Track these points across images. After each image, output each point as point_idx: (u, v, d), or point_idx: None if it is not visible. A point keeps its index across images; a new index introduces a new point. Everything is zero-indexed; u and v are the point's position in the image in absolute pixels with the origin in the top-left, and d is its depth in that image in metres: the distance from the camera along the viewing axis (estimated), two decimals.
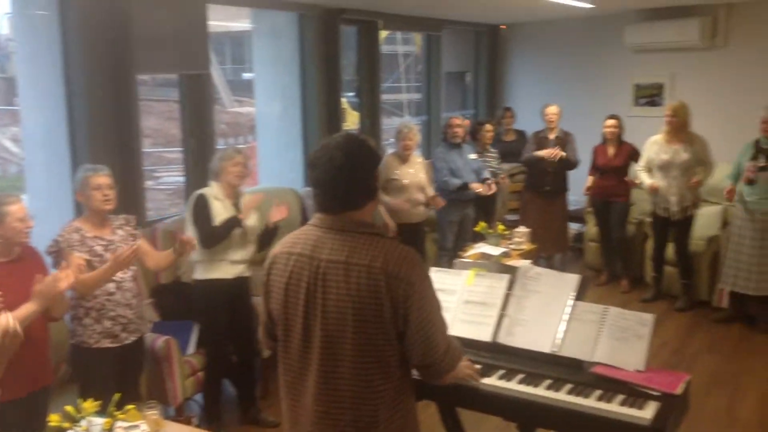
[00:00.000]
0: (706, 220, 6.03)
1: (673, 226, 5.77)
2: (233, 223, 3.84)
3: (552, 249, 6.86)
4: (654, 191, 5.70)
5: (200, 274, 3.91)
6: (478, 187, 5.75)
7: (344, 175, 1.87)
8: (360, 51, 6.64)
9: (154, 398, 3.09)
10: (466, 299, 2.86)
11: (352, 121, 8.50)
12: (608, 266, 6.58)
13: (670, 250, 5.93)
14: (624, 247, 6.38)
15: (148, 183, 10.59)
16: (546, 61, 8.07)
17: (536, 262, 5.93)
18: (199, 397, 4.17)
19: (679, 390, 2.44)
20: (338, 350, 1.87)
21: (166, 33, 4.50)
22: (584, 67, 7.70)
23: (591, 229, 6.90)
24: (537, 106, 6.71)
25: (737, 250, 5.31)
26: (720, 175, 5.61)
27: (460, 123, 5.95)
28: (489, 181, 5.88)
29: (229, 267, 3.90)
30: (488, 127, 6.37)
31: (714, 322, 5.59)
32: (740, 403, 4.27)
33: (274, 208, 4.04)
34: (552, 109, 6.50)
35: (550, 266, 6.86)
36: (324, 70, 6.04)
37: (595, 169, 6.33)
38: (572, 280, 2.84)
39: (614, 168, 6.13)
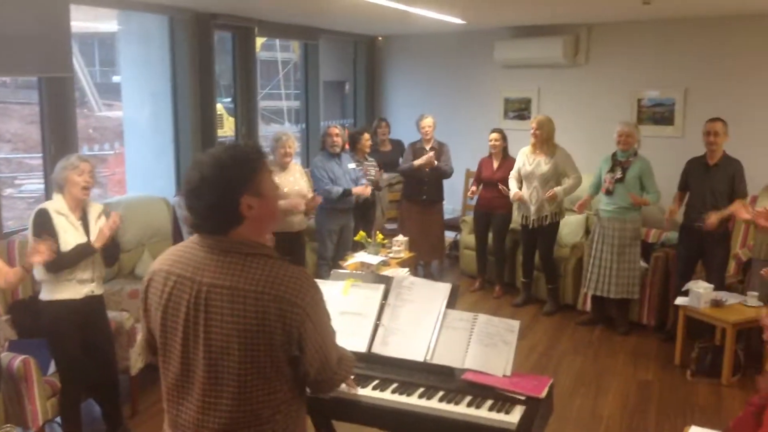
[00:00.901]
0: (570, 228, 6.36)
1: (538, 234, 6.05)
2: (85, 251, 3.60)
3: (429, 256, 7.01)
4: (518, 200, 6.00)
5: (47, 294, 3.63)
6: (360, 190, 5.87)
7: (205, 199, 1.72)
8: (236, 57, 6.51)
9: (12, 421, 2.86)
10: (342, 310, 2.84)
11: (229, 128, 8.31)
12: (482, 273, 6.80)
13: (538, 256, 6.22)
14: (500, 256, 6.61)
15: (8, 191, 9.88)
16: (421, 72, 8.25)
17: (414, 270, 6.06)
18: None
19: (543, 393, 2.54)
20: (222, 380, 1.72)
21: (25, 33, 4.21)
22: (458, 79, 7.94)
23: (466, 237, 7.10)
24: (413, 116, 6.87)
25: (597, 256, 5.63)
26: (582, 186, 5.94)
27: (339, 132, 5.96)
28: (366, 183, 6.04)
29: (77, 287, 3.65)
30: (366, 136, 6.43)
31: (578, 324, 5.90)
32: (602, 401, 4.52)
33: (104, 223, 3.73)
34: (427, 121, 6.66)
35: (428, 273, 7.02)
36: (197, 74, 5.88)
37: (478, 181, 6.52)
38: (444, 288, 2.89)
39: (496, 181, 6.34)
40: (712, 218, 5.00)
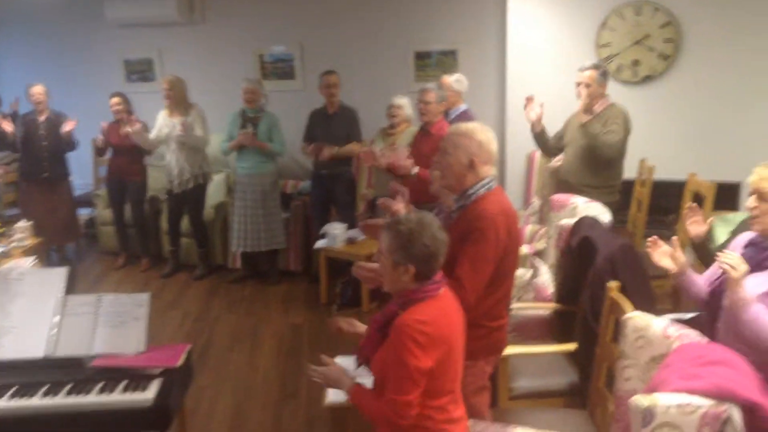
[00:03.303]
0: (213, 188, 6.31)
1: (184, 199, 5.89)
2: None
3: (62, 239, 6.39)
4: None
5: None
6: None
7: None
8: None
9: None
10: None
11: None
12: (125, 248, 6.42)
13: (185, 222, 6.06)
14: (141, 226, 6.28)
15: None
16: (32, 41, 7.32)
17: (47, 256, 5.46)
18: None
19: (180, 361, 2.47)
20: None
21: None
22: (70, 45, 7.22)
23: (102, 212, 6.62)
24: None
25: (242, 213, 5.69)
26: (217, 145, 5.90)
27: None
28: None
29: None
30: None
31: (230, 283, 5.94)
32: (259, 352, 4.64)
33: None
34: (37, 89, 5.96)
35: (63, 257, 6.42)
36: None
37: (103, 149, 6.06)
38: (59, 274, 2.63)
39: (128, 147, 5.93)
40: (325, 153, 5.38)
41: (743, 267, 2.27)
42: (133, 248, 6.42)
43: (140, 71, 7.09)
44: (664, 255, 2.78)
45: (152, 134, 5.81)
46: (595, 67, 4.38)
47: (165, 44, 6.98)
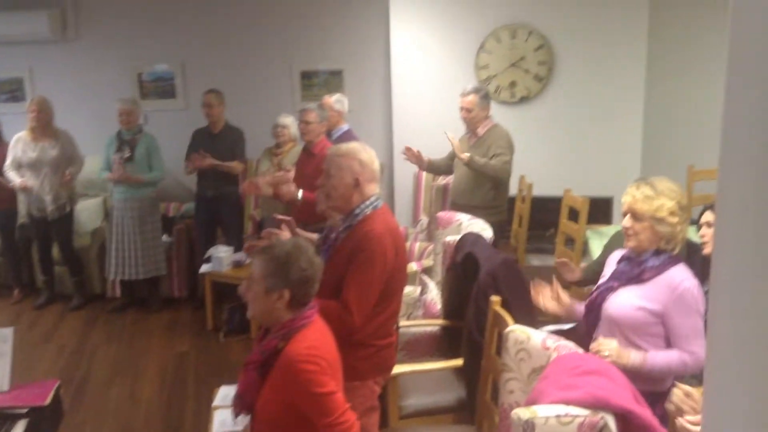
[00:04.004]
0: (89, 213, 6.00)
1: (53, 226, 5.55)
2: None
3: None
4: (25, 190, 5.39)
5: None
6: None
7: None
8: None
9: None
10: None
11: None
12: None
13: (57, 249, 5.72)
14: (12, 254, 5.86)
15: None
16: None
17: None
18: None
19: (48, 399, 2.31)
20: None
21: None
22: None
23: None
24: None
25: (119, 239, 5.44)
26: (93, 168, 5.62)
27: None
28: None
29: None
30: None
31: (110, 312, 5.64)
32: (141, 384, 4.42)
33: None
34: None
35: None
36: None
37: None
38: None
39: None
40: (206, 161, 5.24)
41: (613, 345, 2.40)
42: (4, 278, 5.99)
43: (10, 91, 6.64)
44: (548, 299, 2.84)
45: (8, 160, 5.44)
46: (476, 90, 4.53)
47: (36, 63, 6.58)
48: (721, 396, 0.90)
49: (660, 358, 2.41)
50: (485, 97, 4.55)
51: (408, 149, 4.74)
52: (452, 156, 4.69)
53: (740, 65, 0.86)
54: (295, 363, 1.96)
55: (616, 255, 2.74)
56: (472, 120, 4.52)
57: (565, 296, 2.82)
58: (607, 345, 2.40)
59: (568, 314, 2.81)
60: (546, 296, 2.84)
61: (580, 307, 2.80)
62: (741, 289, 0.86)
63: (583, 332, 2.70)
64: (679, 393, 1.91)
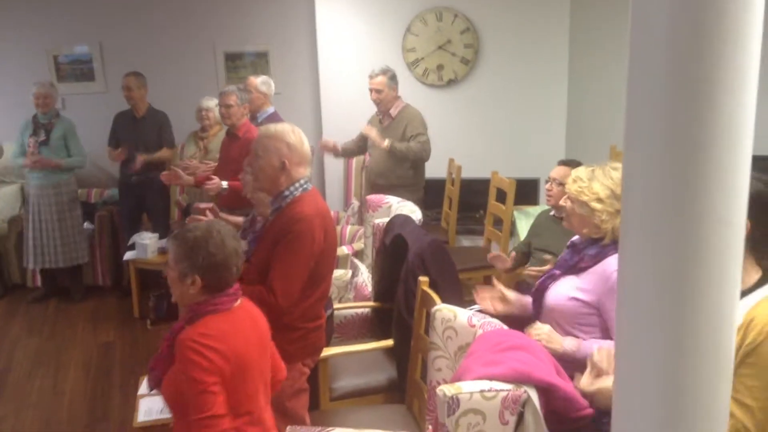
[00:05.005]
0: (6, 201, 5.74)
1: None
2: None
3: None
4: None
5: None
6: None
7: None
8: None
9: None
10: None
11: None
12: None
13: None
14: None
15: None
16: None
17: None
18: None
19: None
20: None
21: None
22: None
23: None
24: None
25: (37, 228, 5.23)
26: (8, 154, 5.39)
27: None
28: None
29: None
30: None
31: (30, 303, 5.43)
32: (64, 376, 4.28)
33: None
34: None
35: None
36: None
37: None
38: None
39: None
40: (137, 163, 5.13)
41: (545, 329, 2.35)
42: None
43: None
44: (496, 301, 2.69)
45: None
46: (384, 72, 4.60)
47: None
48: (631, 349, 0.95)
49: (594, 346, 2.39)
50: (393, 78, 4.63)
51: (323, 145, 4.80)
52: (363, 137, 4.74)
53: (640, 52, 0.89)
54: (182, 348, 1.91)
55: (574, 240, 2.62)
56: (382, 101, 4.61)
57: (509, 293, 2.70)
58: (539, 329, 2.36)
59: (521, 309, 2.65)
60: (493, 299, 2.69)
61: (527, 301, 2.68)
62: (648, 260, 0.90)
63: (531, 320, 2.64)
64: (598, 355, 1.98)
